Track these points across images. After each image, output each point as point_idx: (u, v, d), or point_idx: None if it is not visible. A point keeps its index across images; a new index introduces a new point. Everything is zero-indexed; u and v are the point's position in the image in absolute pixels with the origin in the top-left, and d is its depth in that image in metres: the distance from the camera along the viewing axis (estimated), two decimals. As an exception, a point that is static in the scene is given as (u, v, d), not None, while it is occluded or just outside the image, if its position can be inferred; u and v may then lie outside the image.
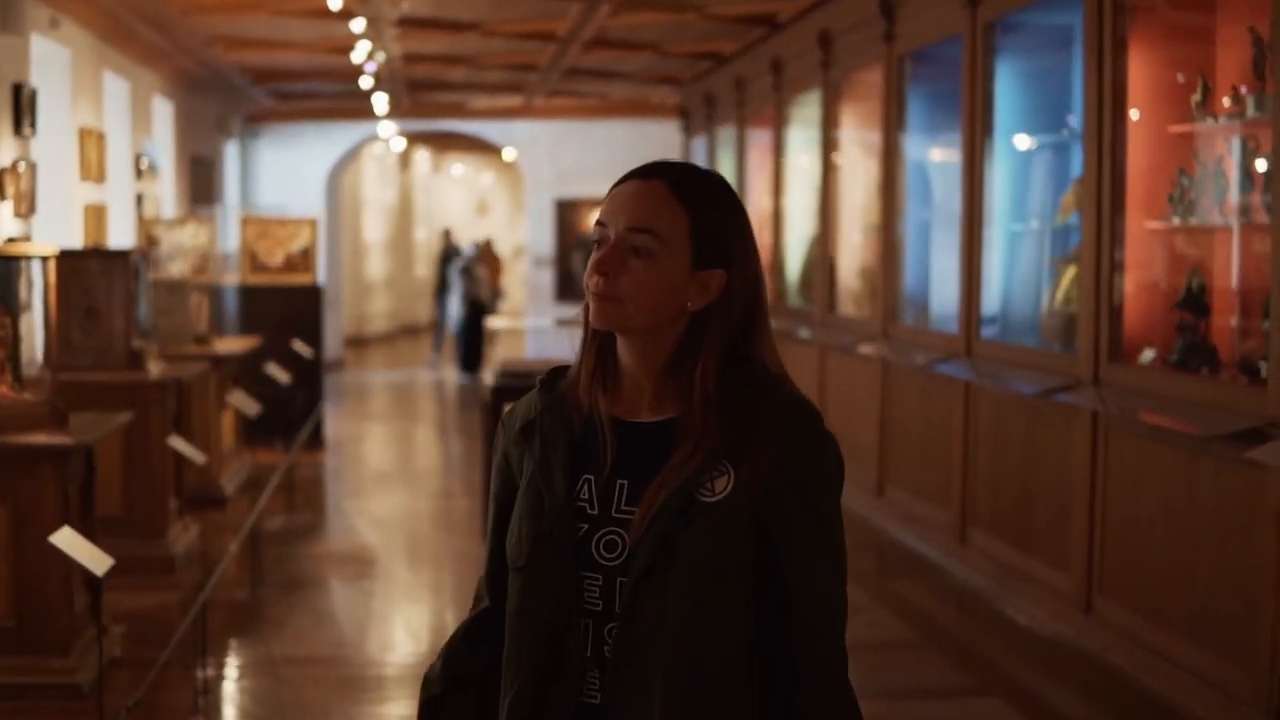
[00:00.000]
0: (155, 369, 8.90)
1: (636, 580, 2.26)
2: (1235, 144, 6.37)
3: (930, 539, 8.93)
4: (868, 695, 2.57)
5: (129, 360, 8.64)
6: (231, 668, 6.98)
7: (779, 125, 13.10)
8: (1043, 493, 7.56)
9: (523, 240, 29.63)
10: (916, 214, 10.09)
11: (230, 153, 19.33)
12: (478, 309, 20.92)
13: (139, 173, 13.34)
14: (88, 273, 8.54)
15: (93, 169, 11.58)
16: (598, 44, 13.97)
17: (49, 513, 6.23)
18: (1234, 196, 6.42)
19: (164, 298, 10.66)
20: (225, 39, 13.74)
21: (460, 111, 21.16)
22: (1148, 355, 6.82)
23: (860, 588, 8.06)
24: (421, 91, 18.64)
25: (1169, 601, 6.26)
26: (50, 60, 10.83)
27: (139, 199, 13.32)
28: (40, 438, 6.39)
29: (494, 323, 17.95)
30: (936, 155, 9.96)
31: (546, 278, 21.91)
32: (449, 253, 24.47)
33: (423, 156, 32.45)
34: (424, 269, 31.36)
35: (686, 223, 2.32)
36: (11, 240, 7.92)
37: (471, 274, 21.07)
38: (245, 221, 14.43)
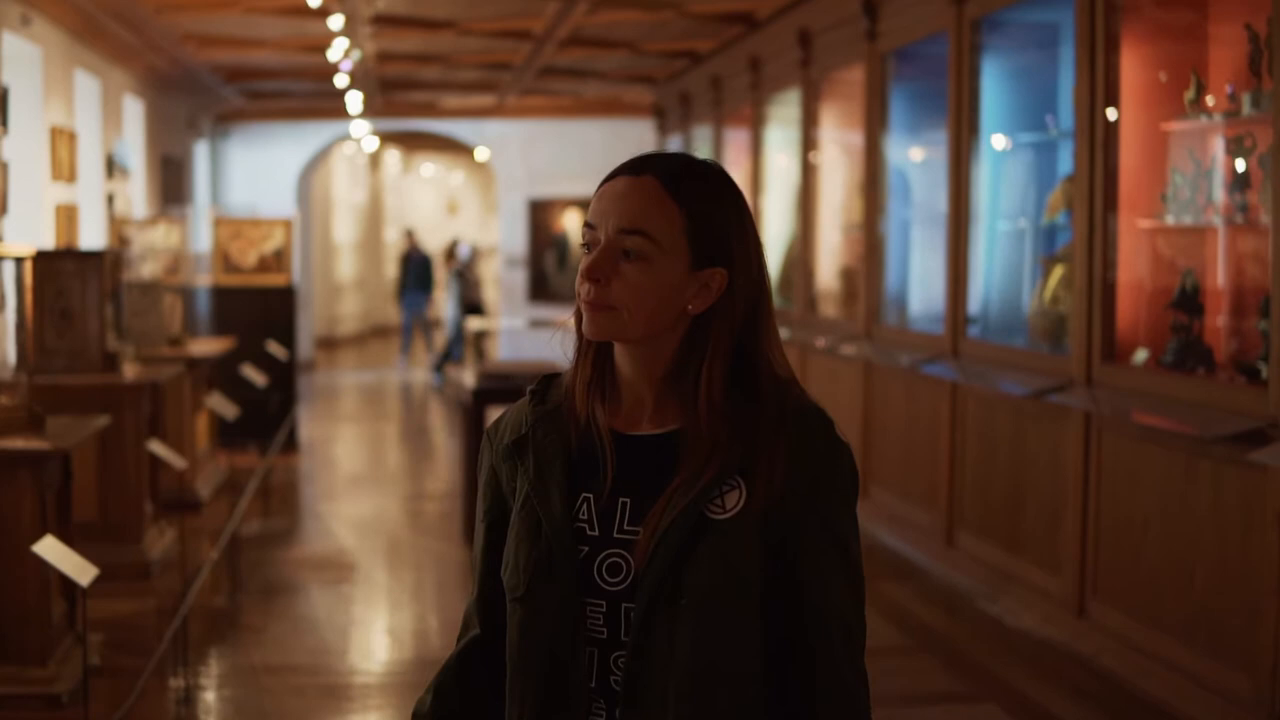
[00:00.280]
0: (130, 372, 8.77)
1: (645, 607, 2.12)
2: (1231, 142, 6.30)
3: (916, 541, 8.85)
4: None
5: (104, 363, 8.51)
6: (212, 677, 6.85)
7: (756, 124, 13.01)
8: (1032, 494, 7.48)
9: (494, 240, 29.53)
10: (898, 213, 10.01)
11: (200, 152, 19.16)
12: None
13: (110, 172, 13.18)
14: (62, 274, 8.40)
15: (64, 169, 11.42)
16: (573, 42, 13.86)
17: (26, 520, 6.11)
18: (1229, 195, 6.35)
19: (137, 299, 10.52)
20: (197, 37, 13.59)
21: (432, 111, 21.02)
22: (1141, 355, 6.75)
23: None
24: (393, 90, 18.50)
25: (1165, 604, 6.19)
26: (21, 59, 10.67)
27: (110, 199, 13.16)
28: (17, 443, 6.26)
29: (472, 324, 17.84)
30: (919, 154, 9.88)
31: (519, 278, 21.78)
32: (411, 253, 24.33)
33: (393, 156, 32.30)
34: (394, 269, 31.20)
35: (681, 221, 2.17)
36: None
37: (466, 277, 20.82)
38: (218, 222, 14.28)
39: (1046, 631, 7.07)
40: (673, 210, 2.16)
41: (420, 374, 22.21)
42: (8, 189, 9.65)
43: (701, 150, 15.51)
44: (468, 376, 9.38)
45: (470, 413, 8.92)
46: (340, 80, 14.94)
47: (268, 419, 12.48)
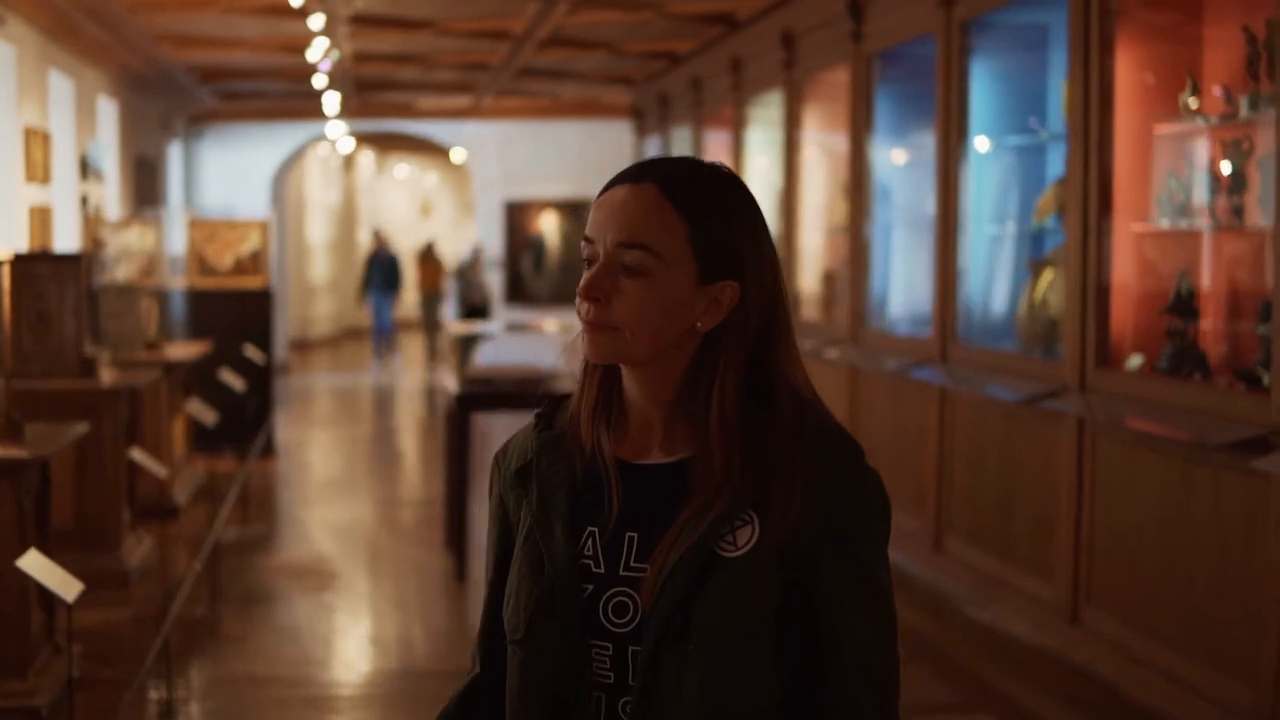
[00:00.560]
0: (108, 376, 8.64)
1: (651, 651, 1.97)
2: (1228, 146, 6.23)
3: (904, 547, 8.75)
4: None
5: (81, 368, 8.38)
6: (193, 688, 6.73)
7: (737, 126, 12.92)
8: (1023, 501, 7.41)
9: (468, 242, 29.41)
10: (882, 216, 9.94)
11: (174, 154, 19.00)
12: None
13: (84, 174, 13.03)
14: (39, 277, 8.27)
15: (38, 170, 11.28)
16: (553, 43, 13.76)
17: (4, 529, 5.99)
18: (1225, 199, 6.28)
19: (113, 302, 10.38)
20: (173, 36, 13.45)
21: (408, 112, 20.89)
22: (1135, 361, 6.67)
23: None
24: (369, 91, 18.37)
25: (1163, 613, 6.11)
26: (-5, 58, 10.54)
27: (84, 201, 13.01)
28: (-5, 451, 6.14)
29: (455, 328, 17.70)
30: (905, 157, 9.81)
31: (496, 280, 21.67)
32: (377, 253, 24.20)
33: (367, 158, 32.16)
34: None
35: (685, 231, 2.01)
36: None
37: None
38: (193, 224, 14.13)
39: (1039, 639, 6.99)
40: (675, 220, 2.01)
41: (400, 377, 22.06)
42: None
43: (681, 152, 15.42)
44: (450, 381, 9.26)
45: (454, 417, 8.80)
46: (319, 80, 14.81)
47: (244, 424, 12.35)
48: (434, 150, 26.64)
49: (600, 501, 2.06)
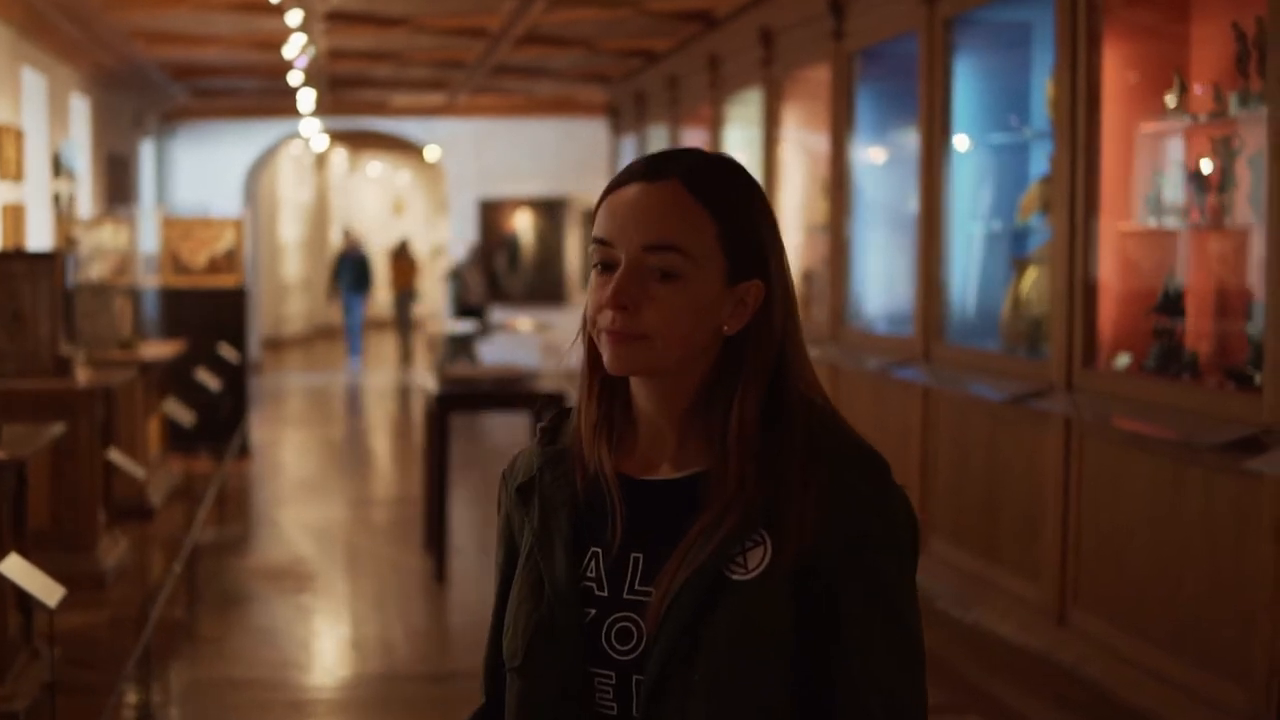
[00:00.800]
0: (83, 376, 8.54)
1: (655, 680, 1.84)
2: (1217, 143, 6.20)
3: (886, 547, 8.70)
4: None
5: (56, 367, 8.28)
6: (172, 692, 6.64)
7: (715, 124, 12.87)
8: (1009, 501, 7.37)
9: (442, 240, 29.30)
10: (863, 215, 9.89)
11: (146, 151, 18.87)
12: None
13: (56, 172, 12.92)
14: (13, 276, 8.17)
15: (10, 167, 11.16)
16: (529, 40, 13.69)
17: (-18, 531, 5.90)
18: (1214, 197, 6.25)
19: (88, 301, 10.28)
20: (146, 33, 13.35)
21: (382, 109, 20.79)
22: (1123, 360, 6.64)
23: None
24: (343, 88, 18.26)
25: (1152, 613, 6.08)
26: (-33, 55, 10.43)
27: (56, 199, 12.90)
28: (-29, 453, 6.05)
29: (443, 326, 17.61)
30: (887, 155, 9.76)
31: (451, 281, 21.58)
32: (346, 253, 24.04)
33: (339, 156, 32.02)
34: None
35: (714, 230, 1.87)
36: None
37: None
38: (167, 222, 14.02)
39: (1025, 640, 6.95)
40: (703, 218, 1.87)
41: (374, 376, 21.96)
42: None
43: (659, 150, 15.34)
44: (428, 380, 9.19)
45: (434, 417, 8.72)
46: (294, 77, 14.71)
47: (220, 424, 12.25)
48: (407, 148, 26.54)
49: (604, 521, 1.93)
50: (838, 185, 9.85)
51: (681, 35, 13.34)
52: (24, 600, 6.01)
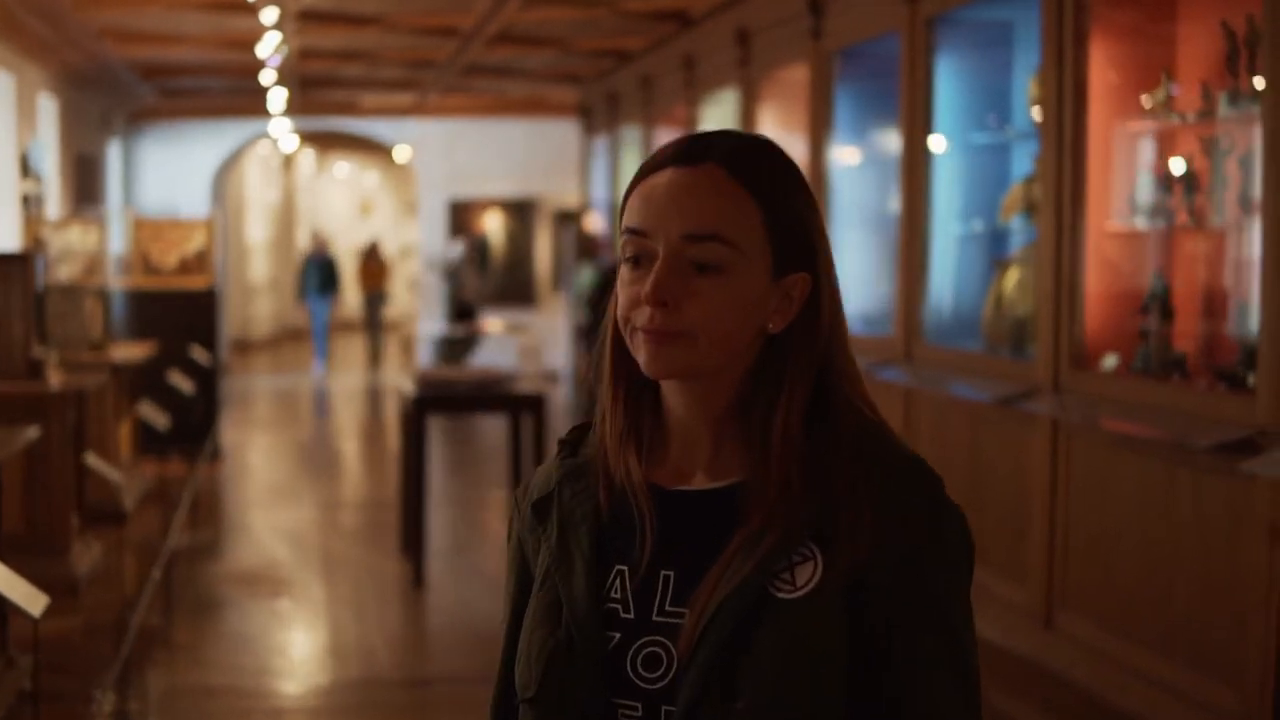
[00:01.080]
0: (55, 379, 8.43)
1: (687, 712, 1.66)
2: (1206, 143, 6.15)
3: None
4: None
5: (28, 370, 8.17)
6: (149, 700, 6.54)
7: (690, 125, 12.80)
8: (994, 503, 7.31)
9: (409, 241, 29.18)
10: (842, 215, 9.84)
11: (113, 152, 18.71)
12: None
13: (25, 172, 12.78)
14: (-16, 278, 8.06)
15: (-22, 168, 11.04)
16: (502, 39, 13.60)
17: (-44, 538, 5.79)
18: (1204, 198, 6.21)
19: (58, 303, 10.16)
20: (116, 32, 13.22)
21: (351, 109, 20.66)
22: (1110, 361, 6.59)
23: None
24: (313, 88, 18.15)
25: (1142, 616, 6.03)
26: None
27: (25, 200, 12.76)
28: (-55, 457, 5.94)
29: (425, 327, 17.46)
30: (866, 155, 9.71)
31: (439, 280, 21.46)
32: (312, 255, 23.84)
33: (306, 156, 31.86)
34: (305, 272, 30.81)
35: (760, 217, 1.72)
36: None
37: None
38: (138, 223, 13.88)
39: (1011, 643, 6.90)
40: (748, 205, 1.72)
41: (342, 379, 21.82)
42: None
43: (630, 151, 15.29)
44: (405, 384, 9.09)
45: (411, 420, 8.63)
46: (267, 76, 14.59)
47: (191, 426, 12.12)
48: (374, 149, 26.41)
49: (631, 536, 1.77)
50: (816, 186, 9.78)
51: (656, 35, 13.28)
52: (0, 607, 5.91)
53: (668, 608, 1.72)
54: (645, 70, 14.13)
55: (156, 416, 9.57)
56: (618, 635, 1.73)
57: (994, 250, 8.07)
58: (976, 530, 1.61)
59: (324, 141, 28.68)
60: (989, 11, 8.09)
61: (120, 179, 19.33)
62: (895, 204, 8.59)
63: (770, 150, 1.78)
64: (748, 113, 11.13)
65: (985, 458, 7.41)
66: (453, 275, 19.58)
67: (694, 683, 1.66)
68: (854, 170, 9.81)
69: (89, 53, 14.06)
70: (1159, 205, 6.48)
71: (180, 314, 13.20)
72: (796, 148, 10.38)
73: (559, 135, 19.85)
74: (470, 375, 8.90)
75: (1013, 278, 7.64)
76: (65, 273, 12.34)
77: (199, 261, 13.53)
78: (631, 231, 1.75)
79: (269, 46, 11.97)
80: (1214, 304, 6.34)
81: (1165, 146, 6.50)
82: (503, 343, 18.50)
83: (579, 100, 18.11)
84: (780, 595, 1.67)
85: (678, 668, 1.69)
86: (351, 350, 26.20)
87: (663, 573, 1.74)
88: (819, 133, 9.68)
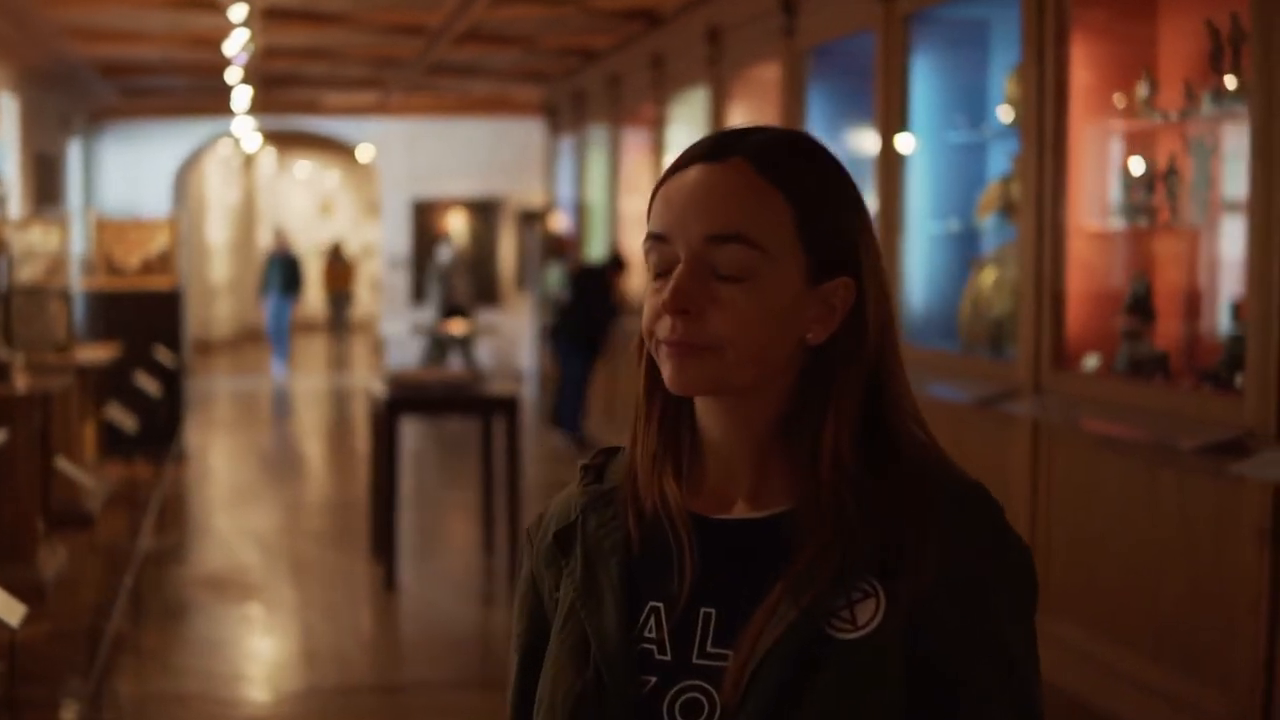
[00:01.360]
0: (21, 381, 8.30)
1: None
2: (1190, 143, 6.12)
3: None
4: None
5: (-6, 372, 8.05)
6: (122, 708, 6.43)
7: (658, 124, 12.74)
8: (973, 504, 7.25)
9: (371, 241, 29.04)
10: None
11: (73, 152, 18.53)
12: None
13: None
14: (-52, 279, 7.93)
15: (-61, 167, 10.88)
16: (469, 37, 13.50)
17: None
18: (1187, 197, 6.17)
19: (22, 304, 10.02)
20: (80, 30, 13.06)
21: (314, 108, 20.51)
22: (1091, 362, 6.55)
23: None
24: (275, 87, 18.00)
25: (1128, 619, 5.98)
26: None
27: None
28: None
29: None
30: (840, 154, 9.63)
31: (402, 280, 21.35)
32: (273, 254, 23.64)
33: (267, 156, 31.66)
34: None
35: (791, 217, 1.58)
36: None
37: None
38: (100, 224, 13.73)
39: (992, 646, 6.84)
40: (778, 203, 1.57)
41: (305, 380, 21.66)
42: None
43: (597, 150, 15.22)
44: (376, 385, 9.00)
45: (381, 421, 8.53)
46: (233, 74, 14.44)
47: (156, 429, 11.98)
48: (336, 148, 26.26)
49: (666, 569, 1.61)
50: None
51: (624, 33, 13.20)
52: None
53: (709, 649, 1.57)
54: (613, 69, 14.06)
55: (124, 419, 9.43)
56: (653, 679, 1.58)
57: (970, 250, 8.03)
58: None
59: (285, 141, 28.49)
60: (965, 10, 8.05)
61: (81, 179, 19.14)
62: (870, 204, 8.53)
63: (806, 144, 1.64)
64: (718, 112, 11.07)
65: (965, 459, 7.22)
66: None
67: None
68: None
69: (50, 51, 13.91)
70: (1140, 204, 6.45)
71: (144, 315, 13.05)
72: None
73: (523, 134, 19.76)
74: (442, 376, 8.81)
75: (990, 277, 7.60)
76: (27, 274, 12.18)
77: (162, 262, 13.39)
78: (653, 237, 1.61)
79: (236, 44, 11.85)
80: (1196, 304, 6.31)
81: (1147, 145, 6.46)
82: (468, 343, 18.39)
83: (544, 99, 18.03)
84: (840, 636, 1.52)
85: (722, 715, 1.54)
86: (314, 351, 26.03)
87: (703, 610, 1.59)
88: (792, 132, 9.60)
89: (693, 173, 1.60)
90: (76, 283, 13.74)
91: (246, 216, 30.84)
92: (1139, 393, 6.10)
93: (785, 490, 1.60)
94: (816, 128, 9.57)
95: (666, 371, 1.60)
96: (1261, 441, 5.13)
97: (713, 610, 1.58)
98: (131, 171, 20.03)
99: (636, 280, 13.55)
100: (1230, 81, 5.72)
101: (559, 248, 16.14)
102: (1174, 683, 5.66)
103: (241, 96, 16.52)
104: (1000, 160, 7.78)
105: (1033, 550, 5.43)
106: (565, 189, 17.02)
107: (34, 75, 14.78)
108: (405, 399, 8.39)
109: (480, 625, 8.03)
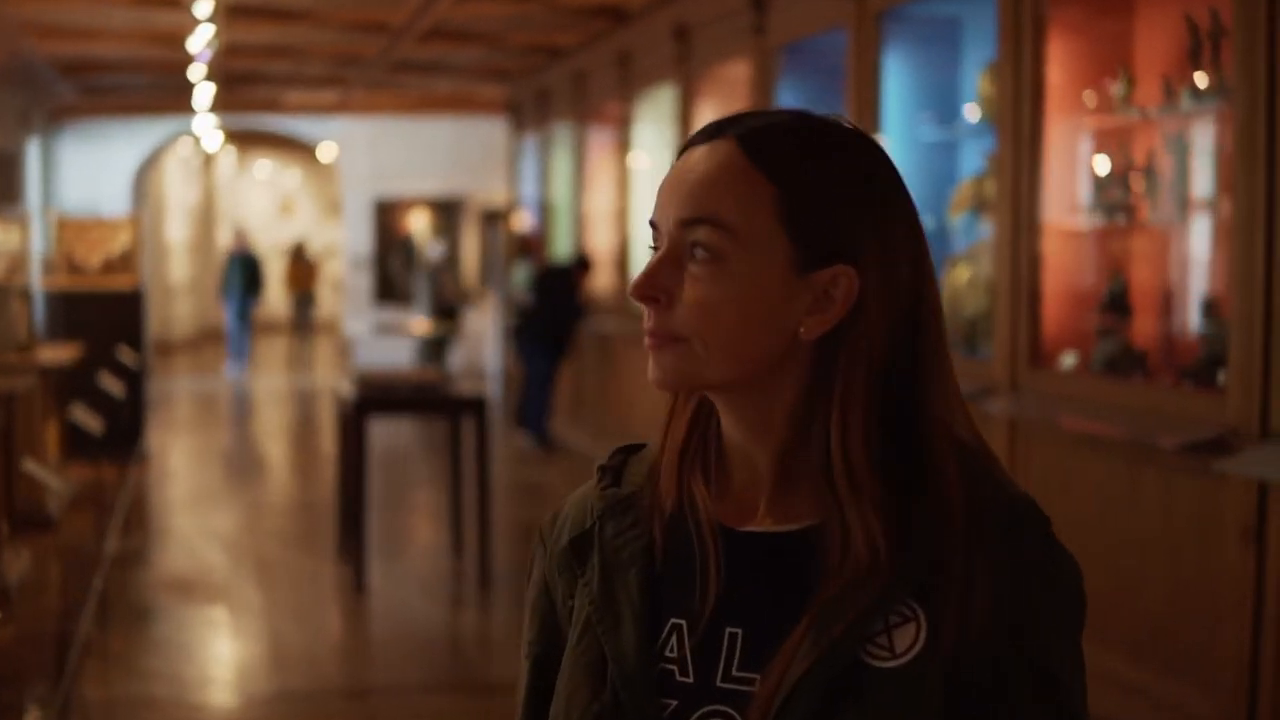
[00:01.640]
0: (-16, 382, 8.19)
1: None
2: (1169, 139, 6.08)
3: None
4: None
5: (-45, 373, 7.93)
6: (88, 714, 6.32)
7: (624, 122, 12.68)
8: (948, 504, 7.22)
9: (332, 241, 28.89)
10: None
11: (31, 150, 18.35)
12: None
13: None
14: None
15: (-102, 165, 10.75)
16: (433, 35, 13.40)
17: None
18: (1165, 194, 6.14)
19: (-18, 303, 9.89)
20: (40, 27, 12.91)
21: (275, 107, 20.36)
22: (1068, 360, 6.51)
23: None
24: (236, 85, 17.86)
25: (1109, 619, 5.94)
26: None
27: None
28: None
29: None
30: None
31: (364, 280, 21.23)
32: (232, 253, 23.44)
33: (227, 155, 31.45)
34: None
35: (771, 197, 1.45)
36: None
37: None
38: (62, 223, 13.57)
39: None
40: (757, 182, 1.45)
41: (266, 381, 21.51)
42: None
43: (562, 149, 15.14)
44: (344, 385, 8.90)
45: (349, 422, 8.44)
46: (196, 72, 14.30)
47: (120, 430, 11.85)
48: (296, 148, 26.12)
49: (688, 582, 1.50)
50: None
51: (590, 30, 13.12)
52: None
53: (735, 672, 1.46)
54: (578, 66, 13.98)
55: (90, 420, 9.31)
56: (674, 703, 1.47)
57: (942, 248, 7.99)
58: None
59: (245, 140, 28.33)
60: (937, 6, 8.01)
61: (40, 178, 18.97)
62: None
63: (808, 123, 1.50)
64: (686, 110, 11.02)
65: (938, 458, 7.30)
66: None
67: None
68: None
69: (10, 49, 13.75)
70: (1117, 202, 6.41)
71: (106, 315, 12.91)
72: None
73: (486, 133, 19.66)
74: (410, 376, 8.73)
75: (963, 275, 7.56)
76: (-13, 273, 12.05)
77: (124, 261, 13.25)
78: (651, 223, 1.53)
79: (200, 40, 11.73)
80: (1173, 301, 6.28)
81: (1124, 142, 6.43)
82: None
83: (507, 97, 17.94)
84: (876, 664, 1.41)
85: None
86: (277, 352, 25.86)
87: (728, 630, 1.48)
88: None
89: (689, 155, 1.52)
90: (37, 282, 13.59)
91: (206, 216, 30.64)
92: (1118, 391, 6.07)
93: (812, 501, 1.48)
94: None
95: (649, 365, 1.51)
96: (1245, 439, 5.10)
97: (739, 630, 1.48)
98: (91, 170, 19.87)
99: (602, 280, 13.49)
100: (1201, 80, 5.69)
101: (526, 247, 16.06)
102: (1157, 683, 5.62)
103: (203, 94, 16.38)
104: (973, 158, 7.74)
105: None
106: (529, 188, 16.94)
107: (-8, 73, 14.63)
108: (374, 399, 8.30)
109: (450, 627, 7.96)
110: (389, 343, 18.66)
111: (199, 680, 6.87)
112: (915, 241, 1.52)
